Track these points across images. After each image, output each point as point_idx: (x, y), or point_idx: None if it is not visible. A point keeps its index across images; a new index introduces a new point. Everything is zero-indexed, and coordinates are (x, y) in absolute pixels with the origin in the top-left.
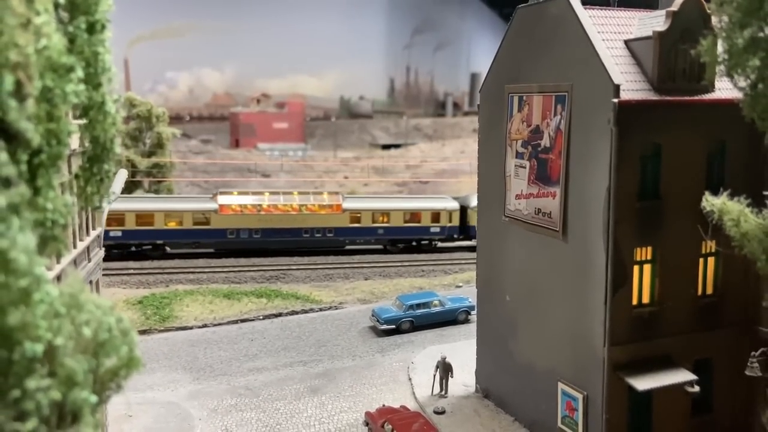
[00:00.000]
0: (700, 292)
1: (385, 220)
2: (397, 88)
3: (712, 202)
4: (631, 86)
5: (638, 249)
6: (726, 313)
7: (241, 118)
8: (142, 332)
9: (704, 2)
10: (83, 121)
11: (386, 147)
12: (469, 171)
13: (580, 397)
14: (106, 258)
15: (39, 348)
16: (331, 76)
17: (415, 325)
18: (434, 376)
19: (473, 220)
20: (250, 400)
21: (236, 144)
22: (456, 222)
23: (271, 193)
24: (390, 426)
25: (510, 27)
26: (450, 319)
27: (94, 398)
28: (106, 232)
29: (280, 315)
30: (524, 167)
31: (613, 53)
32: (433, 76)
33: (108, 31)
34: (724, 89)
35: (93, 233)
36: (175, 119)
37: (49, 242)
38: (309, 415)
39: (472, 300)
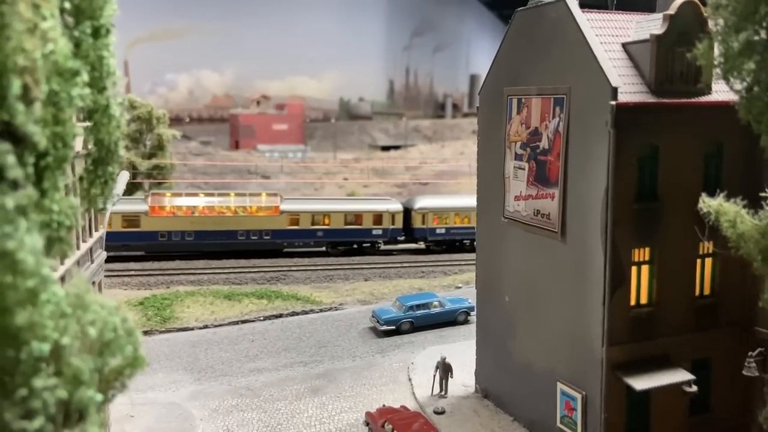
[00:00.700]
0: (697, 292)
1: (326, 222)
2: (397, 89)
3: (708, 203)
4: (629, 89)
5: (636, 250)
6: (723, 313)
7: (240, 120)
8: (144, 333)
9: (701, 6)
10: (88, 124)
11: (386, 148)
12: (469, 172)
13: (578, 396)
14: None
15: (46, 347)
16: (330, 77)
17: (414, 325)
18: (434, 376)
19: (417, 222)
20: (251, 401)
21: (236, 145)
22: (399, 224)
23: (207, 194)
24: (390, 426)
25: (509, 30)
26: (449, 319)
27: (99, 397)
28: None
29: (280, 316)
30: (523, 169)
31: (611, 56)
32: (432, 77)
33: (112, 35)
34: (721, 92)
35: (96, 235)
36: (175, 121)
37: (54, 243)
38: (310, 416)
39: (472, 301)
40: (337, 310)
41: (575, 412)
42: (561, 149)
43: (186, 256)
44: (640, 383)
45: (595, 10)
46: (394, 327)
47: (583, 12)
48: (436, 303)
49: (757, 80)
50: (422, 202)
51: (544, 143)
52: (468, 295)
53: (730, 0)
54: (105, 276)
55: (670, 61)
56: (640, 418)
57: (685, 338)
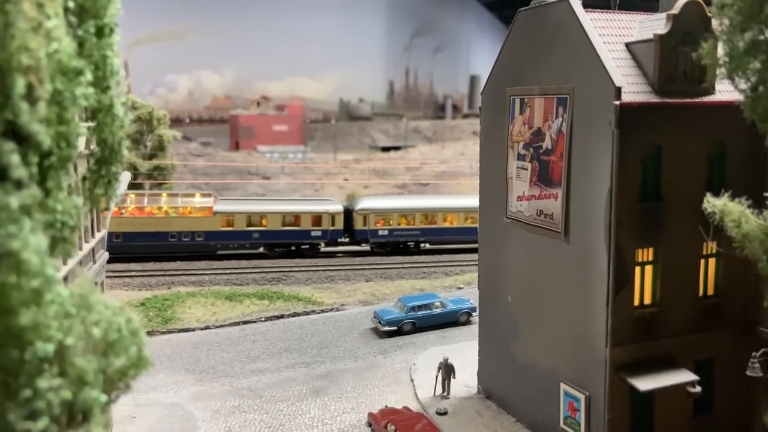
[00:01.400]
0: (701, 292)
1: (262, 223)
2: (397, 90)
3: (713, 203)
4: (632, 88)
5: (640, 250)
6: (727, 313)
7: (240, 121)
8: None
9: (705, 5)
10: (91, 124)
11: (386, 149)
12: (469, 173)
13: (582, 397)
14: None
15: (50, 348)
16: (330, 78)
17: (416, 326)
18: (436, 377)
19: (359, 223)
20: (253, 402)
21: (236, 146)
22: (339, 225)
23: (137, 194)
24: (393, 427)
25: (511, 30)
26: (451, 320)
27: (104, 397)
28: None
29: (282, 317)
30: (526, 169)
31: (615, 56)
32: (432, 78)
33: (116, 35)
34: (725, 91)
35: (98, 235)
36: (175, 122)
37: (58, 243)
38: (312, 417)
39: (474, 301)
40: (338, 310)
41: (578, 412)
42: (564, 149)
43: (186, 256)
44: (644, 384)
45: (598, 10)
46: (395, 328)
47: (586, 12)
48: (437, 304)
49: (762, 79)
50: (364, 203)
51: (547, 143)
52: (470, 296)
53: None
54: (106, 276)
55: (673, 61)
56: (644, 419)
57: (688, 339)
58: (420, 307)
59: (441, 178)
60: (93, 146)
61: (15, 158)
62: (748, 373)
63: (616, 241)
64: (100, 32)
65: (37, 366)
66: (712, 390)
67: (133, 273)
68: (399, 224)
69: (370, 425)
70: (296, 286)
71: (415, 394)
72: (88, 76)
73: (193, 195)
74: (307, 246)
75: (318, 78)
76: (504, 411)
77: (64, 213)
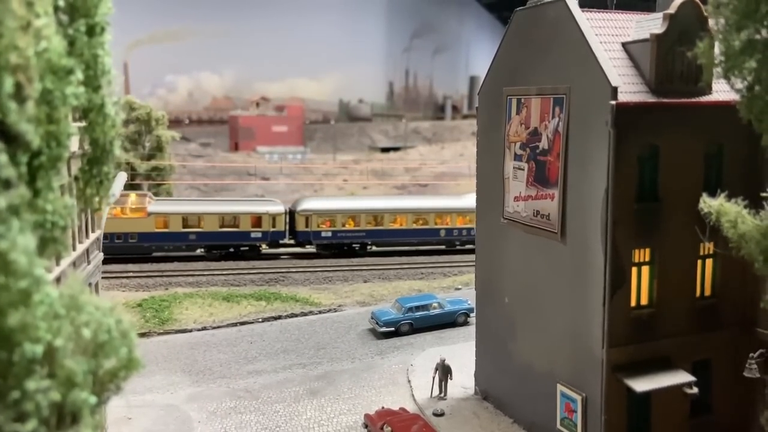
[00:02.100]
0: (698, 293)
1: (199, 224)
2: (396, 91)
3: (709, 203)
4: (629, 88)
5: (636, 250)
6: (724, 314)
7: (240, 122)
8: (142, 335)
9: (701, 5)
10: (83, 124)
11: (385, 150)
12: (468, 174)
13: (579, 398)
14: None
15: (39, 349)
16: (330, 79)
17: (414, 327)
18: (433, 378)
19: (300, 224)
20: (250, 403)
21: (235, 147)
22: (281, 226)
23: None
24: (389, 428)
25: (508, 30)
26: (449, 321)
27: (93, 399)
28: None
29: (279, 318)
30: (523, 169)
31: (611, 56)
32: (432, 79)
33: (108, 33)
34: (722, 91)
35: (92, 236)
36: (175, 122)
37: (48, 244)
38: (308, 418)
39: (471, 302)
40: (336, 311)
41: (575, 413)
42: (561, 149)
43: (185, 257)
44: (641, 385)
45: (595, 10)
46: (393, 328)
47: (582, 11)
48: (435, 304)
49: (758, 79)
50: (306, 204)
51: (543, 143)
52: (468, 297)
53: None
54: (103, 277)
55: (670, 61)
56: (641, 420)
57: (685, 339)
58: (418, 308)
59: (440, 179)
60: (86, 146)
61: (3, 158)
62: (745, 374)
63: (612, 242)
64: (91, 31)
65: (26, 367)
66: (710, 391)
67: (130, 274)
68: (343, 226)
69: (366, 427)
70: (294, 287)
71: (412, 395)
72: (79, 75)
73: (127, 195)
74: (247, 248)
75: (318, 79)
76: (501, 412)
77: (55, 213)
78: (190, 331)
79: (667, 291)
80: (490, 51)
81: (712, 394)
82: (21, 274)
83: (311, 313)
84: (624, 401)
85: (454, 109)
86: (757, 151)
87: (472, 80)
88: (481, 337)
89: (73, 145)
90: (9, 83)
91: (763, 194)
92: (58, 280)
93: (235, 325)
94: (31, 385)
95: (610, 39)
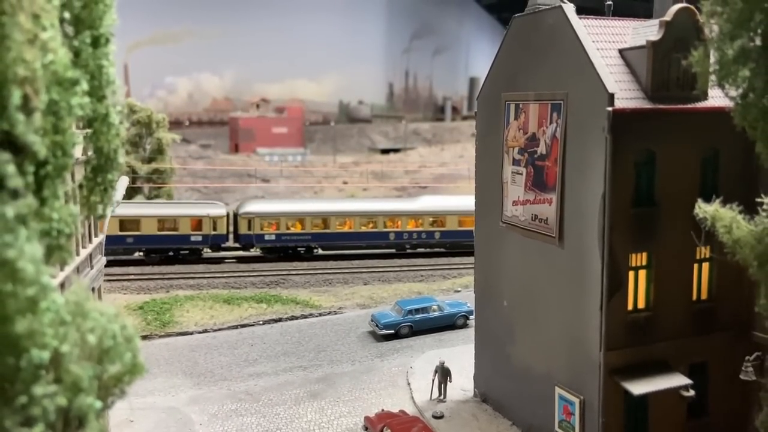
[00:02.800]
0: (695, 297)
1: (137, 228)
2: (396, 92)
3: (704, 208)
4: (626, 95)
5: (633, 255)
6: (721, 317)
7: (240, 123)
8: (143, 338)
9: (697, 12)
10: (87, 132)
11: (385, 151)
12: (468, 175)
13: (576, 401)
14: None
15: (45, 355)
16: (330, 80)
17: (413, 329)
18: (433, 380)
19: (243, 227)
20: (251, 405)
21: (235, 149)
22: (222, 230)
23: None
24: (389, 430)
25: (506, 35)
26: (448, 323)
27: (98, 404)
28: None
29: (279, 320)
30: (521, 174)
31: (608, 62)
32: (431, 80)
33: (112, 44)
34: (718, 97)
35: (95, 240)
36: (175, 124)
37: (54, 251)
38: (309, 420)
39: (471, 305)
40: (336, 314)
41: (573, 416)
42: (558, 155)
43: (186, 261)
44: (638, 388)
45: (592, 17)
46: (393, 331)
47: (579, 18)
48: (435, 307)
49: (752, 87)
50: (248, 207)
51: (541, 148)
52: (467, 299)
53: (725, 7)
54: (104, 281)
55: (666, 67)
56: (638, 423)
57: (682, 343)
58: (417, 311)
59: (440, 180)
60: (90, 153)
61: (11, 168)
62: (741, 376)
63: (609, 246)
64: (95, 42)
65: (33, 373)
66: (706, 393)
67: (132, 277)
68: (288, 229)
69: (366, 429)
70: (294, 290)
71: (412, 397)
72: (84, 85)
73: None
74: (187, 251)
75: (317, 80)
76: (500, 414)
77: (60, 221)
78: (191, 333)
79: (663, 295)
80: (490, 52)
81: (709, 397)
82: (28, 282)
83: (311, 315)
84: (621, 404)
85: (454, 110)
86: (752, 156)
87: (472, 81)
88: (480, 339)
89: (77, 152)
90: (17, 95)
91: (758, 200)
92: (62, 285)
93: (235, 327)
94: (38, 390)
95: (606, 45)
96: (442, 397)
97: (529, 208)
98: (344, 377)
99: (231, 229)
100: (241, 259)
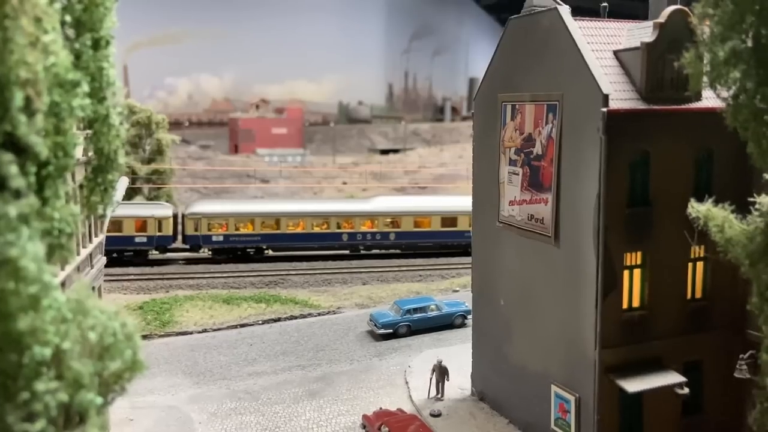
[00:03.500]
0: (689, 295)
1: None
2: (396, 93)
3: (697, 208)
4: (620, 95)
5: (628, 254)
6: (715, 316)
7: (240, 124)
8: (143, 337)
9: (691, 14)
10: (88, 133)
11: (385, 152)
12: (467, 176)
13: (572, 399)
14: None
15: (47, 352)
16: (329, 81)
17: (412, 329)
18: (430, 379)
19: (189, 228)
20: (250, 404)
21: (235, 149)
22: (168, 231)
23: None
24: (387, 428)
25: (503, 37)
26: (446, 323)
27: (99, 400)
28: None
29: (278, 320)
30: (517, 174)
31: (603, 63)
32: (431, 81)
33: (112, 46)
34: (711, 98)
35: (95, 240)
36: (174, 125)
37: (56, 250)
38: (307, 419)
39: (469, 304)
40: (335, 313)
41: (569, 414)
42: (554, 155)
43: (185, 261)
44: (633, 386)
45: (587, 18)
46: (391, 330)
47: (575, 20)
48: (433, 306)
49: (743, 88)
50: (195, 208)
51: (537, 149)
52: (465, 299)
53: (716, 9)
54: (104, 280)
55: (660, 69)
56: (633, 420)
57: (677, 341)
58: (415, 310)
59: (439, 181)
60: (90, 154)
61: (13, 168)
62: (735, 374)
63: (604, 245)
64: (96, 45)
65: (35, 369)
66: (701, 391)
67: (132, 277)
68: (237, 229)
69: (364, 427)
70: (293, 290)
71: (410, 396)
72: (85, 87)
73: None
74: (132, 253)
75: (317, 81)
76: (497, 413)
77: (62, 221)
78: (191, 333)
79: (658, 293)
80: (490, 53)
81: (703, 395)
82: (31, 280)
83: (310, 315)
84: (616, 402)
85: (454, 110)
86: (744, 157)
87: (472, 82)
88: (477, 338)
89: (78, 153)
90: (19, 97)
91: (751, 199)
92: (63, 284)
93: (235, 327)
94: (39, 386)
95: (601, 47)
96: (439, 396)
97: (526, 207)
98: (343, 376)
99: (179, 230)
100: (240, 260)
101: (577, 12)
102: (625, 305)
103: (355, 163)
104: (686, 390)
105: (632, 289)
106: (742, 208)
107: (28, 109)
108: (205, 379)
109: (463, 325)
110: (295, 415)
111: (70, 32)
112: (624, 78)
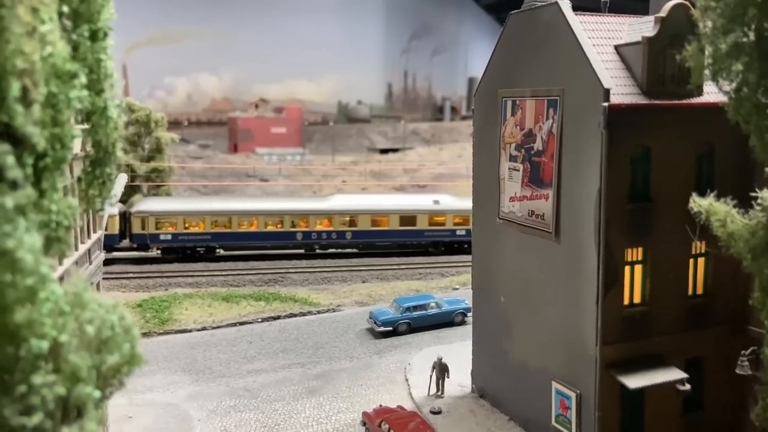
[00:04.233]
0: (690, 291)
1: None
2: (395, 92)
3: (699, 203)
4: (621, 90)
5: (629, 250)
6: (716, 312)
7: (239, 123)
8: (142, 335)
9: (692, 8)
10: (86, 126)
11: (384, 151)
12: (467, 175)
13: (573, 395)
14: None
15: (44, 345)
16: (329, 81)
17: (412, 327)
18: (431, 376)
19: (136, 227)
20: (249, 401)
21: (234, 149)
22: (114, 230)
23: None
24: (387, 425)
25: (503, 32)
26: (446, 320)
27: (97, 394)
28: None
29: (278, 318)
30: (518, 170)
31: (604, 58)
32: (430, 80)
33: (110, 38)
34: (713, 92)
35: (94, 236)
36: (174, 124)
37: (53, 243)
38: (307, 416)
39: (469, 302)
40: (334, 311)
41: (570, 410)
42: (555, 150)
43: (184, 258)
44: (634, 382)
45: (588, 13)
46: (391, 328)
47: (575, 15)
48: (433, 304)
49: (745, 81)
50: (142, 206)
51: (538, 144)
52: (465, 297)
53: (718, 2)
54: (103, 278)
55: (661, 63)
56: (634, 417)
57: (678, 337)
58: (415, 308)
59: (439, 180)
60: (89, 147)
61: (10, 159)
62: (737, 371)
63: (605, 241)
64: (94, 36)
65: (32, 362)
66: (702, 388)
67: (131, 275)
68: (186, 228)
69: (364, 424)
70: (293, 288)
71: (410, 393)
72: (83, 79)
73: None
74: None
75: (316, 80)
76: (497, 410)
77: (59, 213)
78: (190, 331)
79: (659, 289)
80: (489, 52)
81: (705, 391)
82: (27, 272)
83: (310, 313)
84: (617, 398)
85: (453, 110)
86: (746, 151)
87: (471, 81)
88: (477, 335)
89: (76, 147)
90: (15, 87)
91: (753, 193)
92: (61, 279)
93: (234, 325)
94: (37, 379)
95: (602, 42)
96: (439, 393)
97: (526, 204)
98: (342, 374)
99: (125, 228)
100: (239, 258)
101: (577, 7)
102: (626, 301)
103: (354, 162)
104: (687, 386)
105: (633, 285)
106: (744, 203)
107: (25, 99)
108: (204, 376)
109: (463, 323)
110: (295, 412)
111: (68, 23)
112: (625, 73)
